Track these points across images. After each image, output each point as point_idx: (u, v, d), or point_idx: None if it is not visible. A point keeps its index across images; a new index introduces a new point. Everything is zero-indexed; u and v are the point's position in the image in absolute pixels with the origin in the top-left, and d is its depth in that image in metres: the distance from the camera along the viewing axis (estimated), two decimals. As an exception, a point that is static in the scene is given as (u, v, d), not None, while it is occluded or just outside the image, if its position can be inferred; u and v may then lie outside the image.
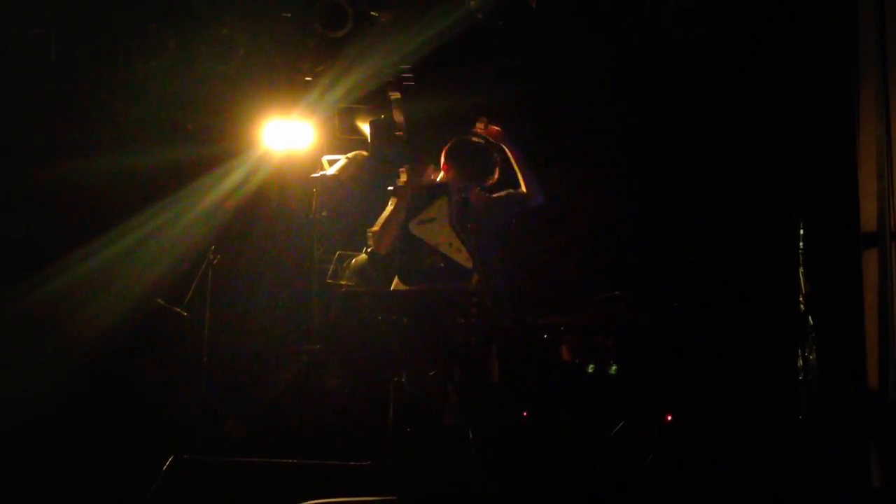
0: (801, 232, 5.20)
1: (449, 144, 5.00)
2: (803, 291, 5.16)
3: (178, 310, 6.06)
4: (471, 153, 4.94)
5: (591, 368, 4.49)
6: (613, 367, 4.56)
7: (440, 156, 5.08)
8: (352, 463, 4.50)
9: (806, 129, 5.22)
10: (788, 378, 5.15)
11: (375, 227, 4.94)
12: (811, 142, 5.20)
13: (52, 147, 6.39)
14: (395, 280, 4.99)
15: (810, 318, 5.09)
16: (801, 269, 5.19)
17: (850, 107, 4.92)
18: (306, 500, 3.26)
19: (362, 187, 6.54)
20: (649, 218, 6.08)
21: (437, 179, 5.07)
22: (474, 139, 5.07)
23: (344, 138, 6.93)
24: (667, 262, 5.89)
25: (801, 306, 5.15)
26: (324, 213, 6.62)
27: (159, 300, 6.16)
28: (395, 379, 4.89)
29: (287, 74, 6.65)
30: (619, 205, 6.20)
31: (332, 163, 6.66)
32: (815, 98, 5.19)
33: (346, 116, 6.92)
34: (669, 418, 5.13)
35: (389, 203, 4.93)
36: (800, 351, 5.12)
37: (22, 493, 4.96)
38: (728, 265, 5.62)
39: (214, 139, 6.67)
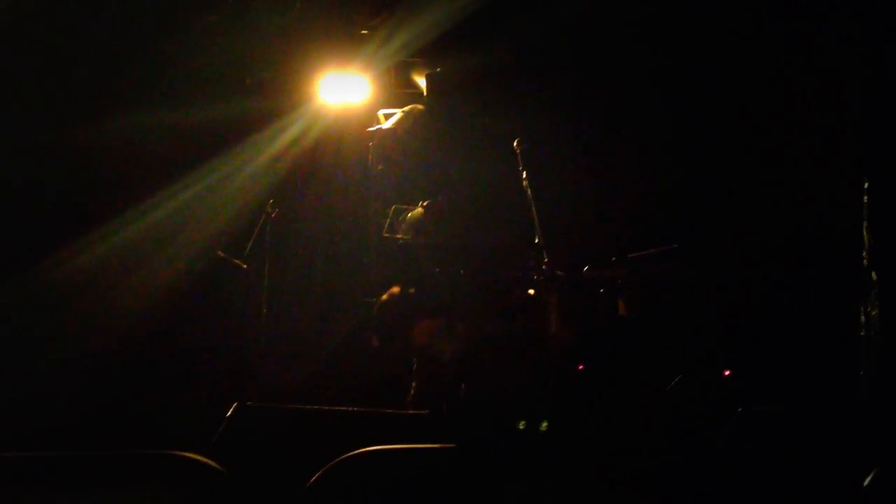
0: (866, 185, 5.10)
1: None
2: (867, 245, 5.07)
3: (238, 262, 6.14)
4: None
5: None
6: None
7: None
8: (410, 411, 4.56)
9: (870, 80, 5.10)
10: (850, 334, 5.08)
11: None
12: (876, 92, 5.08)
13: (109, 101, 6.46)
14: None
15: (874, 273, 5.00)
16: (864, 223, 5.10)
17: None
18: (365, 447, 3.31)
19: (418, 141, 6.54)
20: (709, 169, 6.00)
21: None
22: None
23: (400, 92, 6.93)
24: (726, 214, 5.82)
25: (865, 261, 5.06)
26: (380, 167, 6.64)
27: (220, 253, 6.24)
28: (452, 332, 4.93)
29: (343, 28, 6.65)
30: (677, 156, 6.12)
31: (387, 116, 6.67)
32: (880, 47, 5.06)
33: (401, 70, 6.91)
34: (727, 373, 5.10)
35: None
36: (862, 307, 5.04)
37: (88, 439, 5.08)
38: (790, 218, 5.53)
39: (272, 93, 6.70)
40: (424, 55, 6.70)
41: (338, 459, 3.25)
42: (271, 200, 6.21)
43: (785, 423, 4.92)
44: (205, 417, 4.71)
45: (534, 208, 4.58)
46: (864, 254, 5.05)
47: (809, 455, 4.69)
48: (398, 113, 6.60)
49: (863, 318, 5.03)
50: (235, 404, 4.45)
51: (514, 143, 4.80)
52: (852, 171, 5.17)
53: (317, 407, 4.50)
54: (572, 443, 4.50)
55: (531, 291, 4.87)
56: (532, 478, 4.15)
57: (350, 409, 4.44)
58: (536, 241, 4.61)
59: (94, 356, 5.93)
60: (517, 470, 4.12)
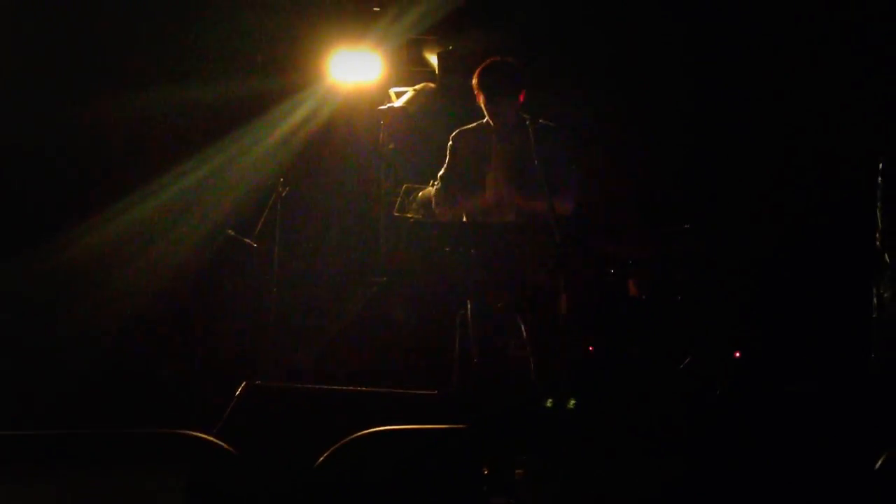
0: (880, 167, 5.05)
1: (478, 70, 4.89)
2: (879, 228, 5.04)
3: (249, 241, 6.15)
4: (498, 74, 4.82)
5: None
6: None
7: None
8: (420, 392, 4.55)
9: (884, 63, 5.06)
10: (862, 316, 5.06)
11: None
12: (890, 75, 5.04)
13: (121, 79, 6.45)
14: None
15: (886, 255, 4.97)
16: (878, 205, 5.06)
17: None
18: (374, 427, 3.31)
19: (430, 119, 6.51)
20: (721, 150, 5.96)
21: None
22: (501, 59, 4.94)
23: (411, 70, 6.89)
24: (738, 195, 5.79)
25: (878, 243, 5.03)
26: (391, 146, 6.62)
27: (230, 231, 6.25)
28: (462, 311, 4.92)
29: (355, 5, 6.62)
30: (689, 136, 6.08)
31: (399, 95, 6.64)
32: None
33: (413, 48, 6.88)
34: (738, 354, 5.09)
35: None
36: (875, 289, 5.02)
37: (98, 418, 5.12)
38: (803, 199, 5.50)
39: (283, 71, 6.68)
40: (436, 32, 6.66)
41: (347, 439, 3.25)
42: (282, 179, 6.20)
43: (796, 404, 4.91)
44: (214, 397, 4.73)
45: (545, 186, 4.54)
46: (877, 235, 5.01)
47: (820, 437, 4.68)
48: (410, 91, 6.57)
49: (875, 300, 5.00)
50: (245, 384, 4.47)
51: (526, 121, 4.76)
52: (866, 152, 5.12)
53: (326, 387, 4.51)
54: (583, 423, 4.50)
55: (542, 271, 4.84)
56: (543, 458, 4.16)
57: (360, 388, 4.45)
58: (548, 219, 4.58)
59: (104, 335, 5.95)
60: (528, 451, 4.12)
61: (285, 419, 4.22)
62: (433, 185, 5.97)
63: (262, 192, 6.31)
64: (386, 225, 6.50)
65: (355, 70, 6.66)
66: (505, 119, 4.74)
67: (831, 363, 5.12)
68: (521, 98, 4.79)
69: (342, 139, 6.96)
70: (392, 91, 6.72)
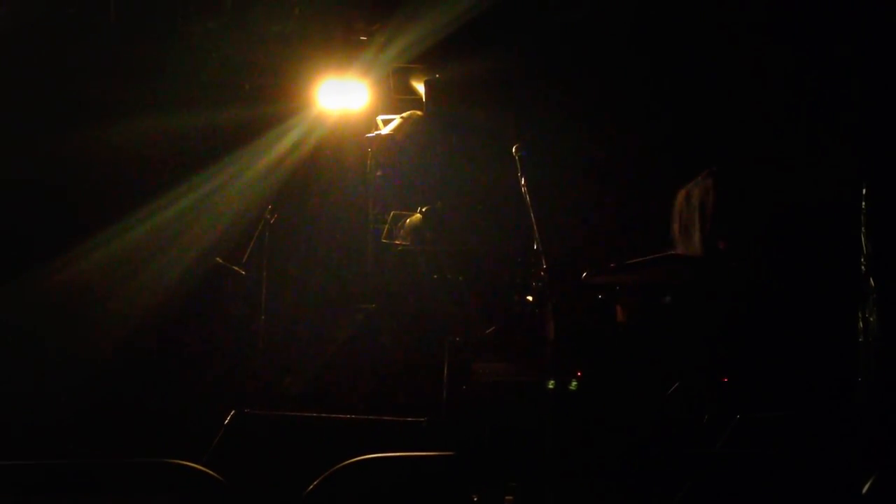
0: (864, 192, 5.10)
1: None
2: (864, 252, 5.08)
3: (237, 268, 6.15)
4: None
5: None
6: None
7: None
8: (408, 419, 4.55)
9: (870, 87, 5.11)
10: (848, 339, 5.09)
11: None
12: (875, 99, 5.09)
13: (109, 107, 6.46)
14: None
15: (871, 279, 5.01)
16: (862, 230, 5.10)
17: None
18: (363, 455, 3.31)
19: (417, 147, 6.55)
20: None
21: None
22: None
23: (398, 98, 6.94)
24: (724, 220, 5.81)
25: (863, 267, 5.07)
26: (378, 173, 6.65)
27: (218, 259, 6.25)
28: (450, 338, 4.93)
29: (342, 34, 6.67)
30: (675, 162, 6.12)
31: (386, 122, 6.68)
32: (880, 56, 5.07)
33: (400, 76, 6.93)
34: (725, 379, 5.10)
35: None
36: (860, 312, 5.05)
37: (86, 448, 5.09)
38: (788, 224, 5.54)
39: (271, 99, 6.71)
40: (423, 61, 6.72)
41: (336, 467, 3.25)
42: (270, 207, 6.21)
43: (783, 429, 4.92)
44: (202, 425, 4.71)
45: (532, 214, 4.57)
46: (863, 260, 5.05)
47: (809, 462, 4.69)
48: (397, 119, 6.61)
49: (861, 324, 5.03)
50: (233, 412, 4.46)
51: (513, 149, 4.80)
52: (850, 177, 5.17)
53: (315, 414, 4.51)
54: (570, 449, 4.50)
55: (529, 297, 4.86)
56: (530, 485, 4.16)
57: (348, 416, 4.45)
58: (535, 247, 4.61)
59: (92, 363, 5.93)
60: (514, 478, 4.12)
61: (274, 447, 4.21)
62: (421, 212, 6.02)
63: (250, 220, 6.32)
64: (374, 252, 6.51)
65: (343, 98, 6.71)
66: None
67: (818, 387, 5.14)
68: None
69: (330, 167, 6.99)
70: (379, 119, 6.76)
